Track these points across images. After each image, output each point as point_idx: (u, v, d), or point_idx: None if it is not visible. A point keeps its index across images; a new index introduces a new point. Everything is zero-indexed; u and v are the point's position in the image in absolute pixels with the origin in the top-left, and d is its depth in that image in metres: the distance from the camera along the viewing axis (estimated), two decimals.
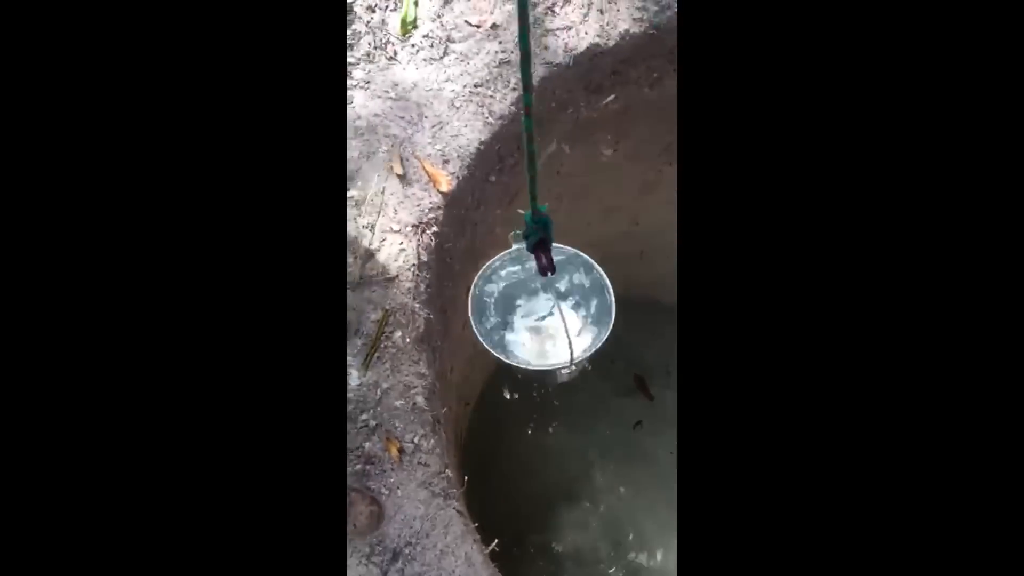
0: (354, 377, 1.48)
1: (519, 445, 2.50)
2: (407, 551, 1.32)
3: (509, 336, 1.46)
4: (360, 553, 1.31)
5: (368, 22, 1.78)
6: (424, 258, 1.59)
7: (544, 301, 1.48)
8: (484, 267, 1.41)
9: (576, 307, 1.47)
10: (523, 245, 1.24)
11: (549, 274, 1.12)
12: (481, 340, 1.29)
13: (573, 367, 1.29)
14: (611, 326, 1.30)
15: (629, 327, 2.61)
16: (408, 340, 1.52)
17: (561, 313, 1.27)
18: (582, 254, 1.40)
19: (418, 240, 1.60)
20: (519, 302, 1.47)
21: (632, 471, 2.50)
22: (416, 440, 1.44)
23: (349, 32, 1.77)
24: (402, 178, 1.65)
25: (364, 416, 1.44)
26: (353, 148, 1.67)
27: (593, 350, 1.29)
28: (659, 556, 2.28)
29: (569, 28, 1.83)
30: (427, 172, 1.64)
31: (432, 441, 1.46)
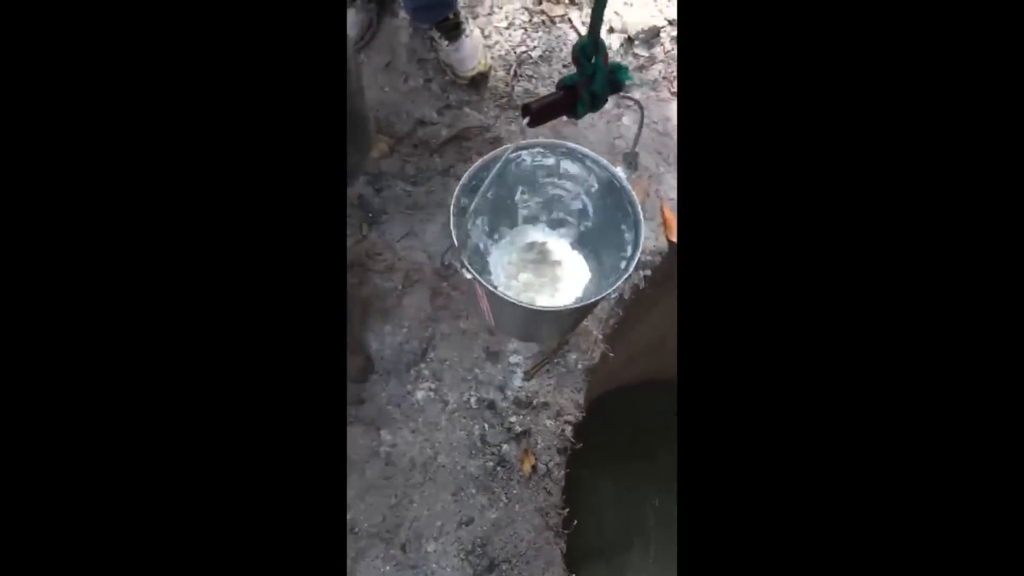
0: (517, 379, 1.48)
1: (598, 485, 2.44)
2: (504, 567, 1.30)
3: (502, 261, 1.09)
4: (461, 547, 1.31)
5: (668, 51, 1.76)
6: (626, 295, 1.56)
7: (542, 228, 1.11)
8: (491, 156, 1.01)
9: (581, 242, 1.12)
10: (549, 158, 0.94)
11: (526, 122, 0.83)
12: (465, 263, 0.95)
13: (575, 301, 0.96)
14: (633, 264, 0.96)
15: None
16: (580, 366, 1.50)
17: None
18: (608, 164, 1.02)
19: (627, 280, 1.57)
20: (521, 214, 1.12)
21: None
22: (550, 465, 1.42)
23: (647, 54, 1.76)
24: None
25: (512, 419, 1.43)
26: None
27: (593, 299, 0.97)
28: None
29: None
30: (664, 216, 1.60)
31: (563, 473, 1.44)
